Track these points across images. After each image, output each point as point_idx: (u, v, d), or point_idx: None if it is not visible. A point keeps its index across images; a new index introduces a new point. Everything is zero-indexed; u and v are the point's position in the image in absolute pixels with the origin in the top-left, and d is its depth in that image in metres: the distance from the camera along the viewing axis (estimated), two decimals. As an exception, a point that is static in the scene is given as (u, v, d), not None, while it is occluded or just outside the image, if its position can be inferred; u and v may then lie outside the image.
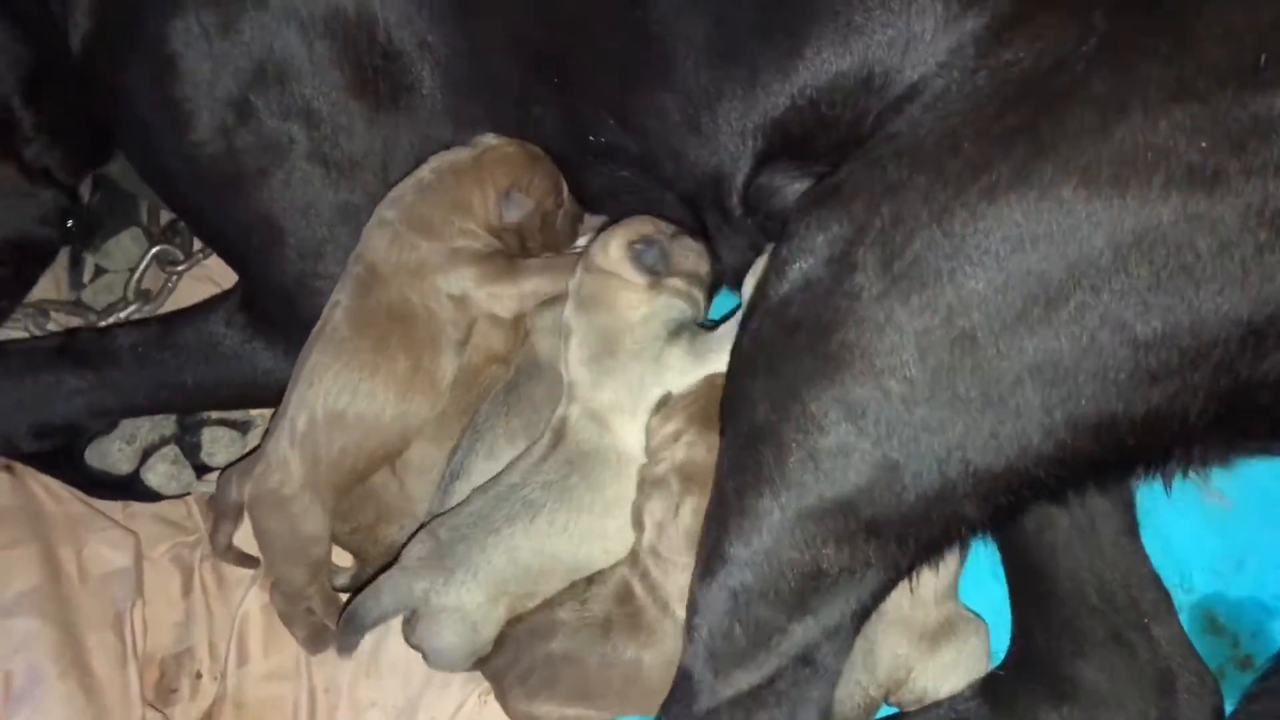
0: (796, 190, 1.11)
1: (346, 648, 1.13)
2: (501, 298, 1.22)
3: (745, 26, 1.06)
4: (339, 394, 1.16)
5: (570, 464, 1.11)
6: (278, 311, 1.27)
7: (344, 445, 1.17)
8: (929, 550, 0.93)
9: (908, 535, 0.91)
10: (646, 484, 1.09)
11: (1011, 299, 0.84)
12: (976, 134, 0.89)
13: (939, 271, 0.86)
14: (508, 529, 1.09)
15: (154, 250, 1.50)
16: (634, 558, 1.10)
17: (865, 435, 0.88)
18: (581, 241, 1.30)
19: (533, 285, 1.23)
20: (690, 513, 1.04)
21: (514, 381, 1.23)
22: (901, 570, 0.93)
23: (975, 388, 0.85)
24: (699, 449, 1.05)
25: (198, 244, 1.51)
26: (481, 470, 1.18)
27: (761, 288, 0.97)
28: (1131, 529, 1.16)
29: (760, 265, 1.13)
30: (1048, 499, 0.93)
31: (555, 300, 1.23)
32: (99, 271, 1.53)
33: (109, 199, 1.53)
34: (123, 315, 1.46)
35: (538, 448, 1.14)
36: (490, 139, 1.22)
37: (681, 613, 1.00)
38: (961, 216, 0.86)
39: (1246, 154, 0.81)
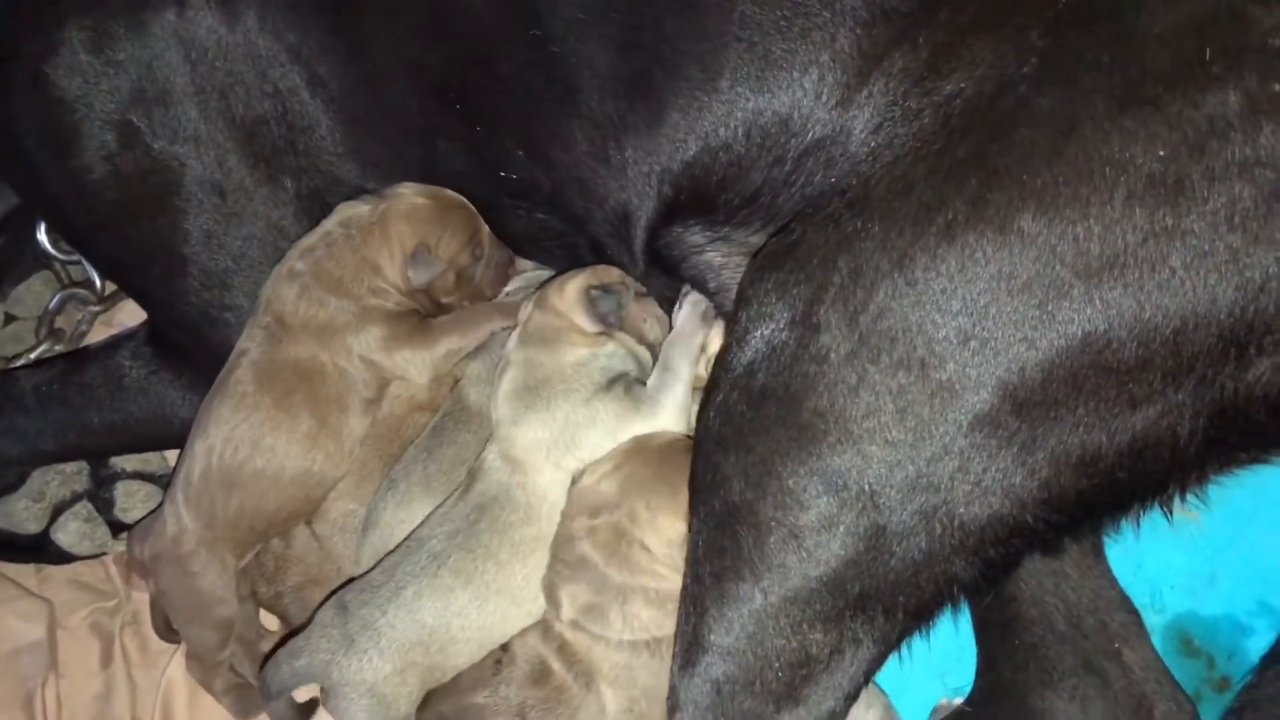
0: (707, 251, 1.07)
1: (272, 714, 1.07)
2: (413, 363, 1.16)
3: (650, 55, 1.00)
4: (236, 449, 1.11)
5: (480, 508, 1.05)
6: (184, 344, 1.22)
7: (240, 504, 1.12)
8: (919, 617, 0.88)
9: (897, 605, 0.86)
10: (560, 564, 1.02)
11: (985, 341, 0.80)
12: (927, 172, 0.85)
13: (907, 323, 0.82)
14: (412, 587, 1.03)
15: (66, 291, 1.42)
16: (545, 630, 1.03)
17: (848, 506, 0.83)
18: (511, 285, 1.24)
19: (445, 347, 1.17)
20: (645, 603, 0.98)
21: (439, 426, 1.17)
22: (892, 643, 0.89)
23: (960, 438, 0.81)
24: (620, 531, 0.99)
25: (110, 286, 1.43)
26: (392, 522, 1.12)
27: (723, 357, 0.92)
28: (1096, 548, 1.11)
29: (684, 316, 1.09)
30: (1042, 548, 0.88)
31: (487, 348, 1.17)
32: (8, 320, 1.46)
33: (15, 243, 1.45)
34: (31, 357, 1.39)
35: (451, 497, 1.08)
36: (401, 189, 1.15)
37: (609, 694, 0.96)
38: (922, 261, 0.82)
39: (1207, 156, 0.77)
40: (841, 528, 0.84)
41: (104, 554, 1.32)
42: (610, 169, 1.06)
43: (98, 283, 1.42)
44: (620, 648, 0.97)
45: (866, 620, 0.86)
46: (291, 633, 1.10)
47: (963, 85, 0.87)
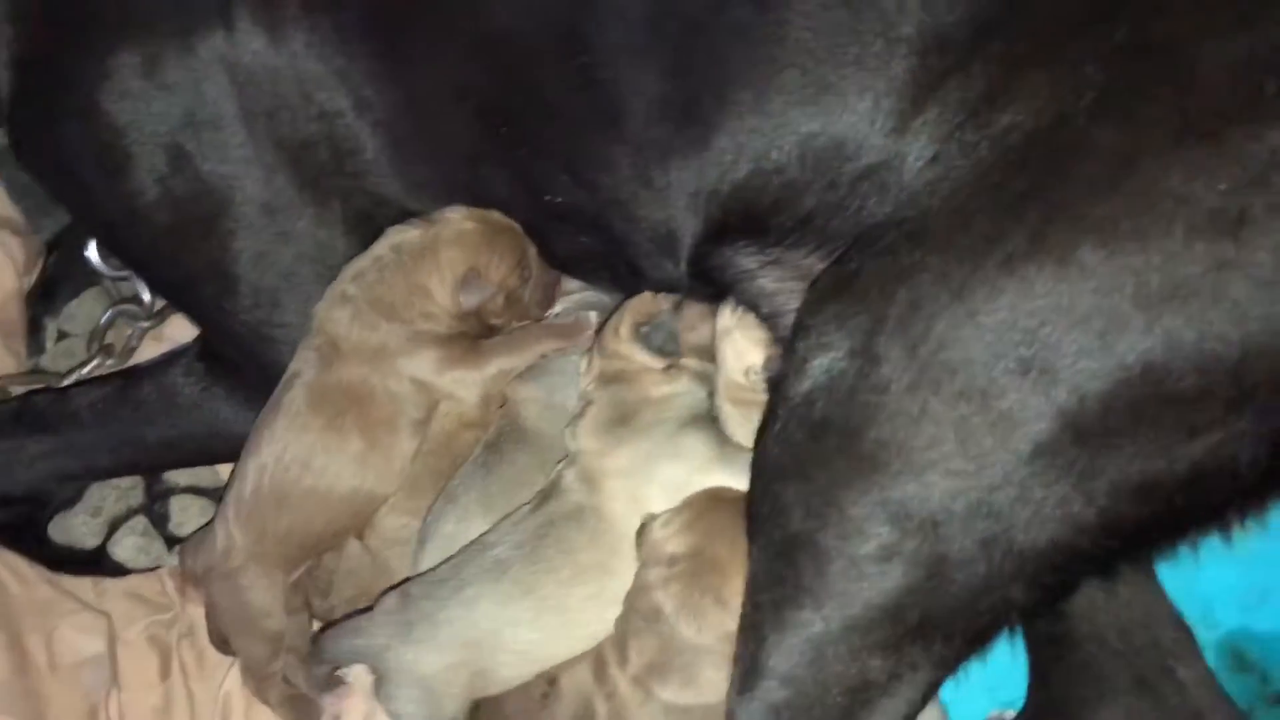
0: (759, 277, 1.07)
1: (314, 684, 1.10)
2: (465, 383, 1.17)
3: (700, 81, 1.00)
4: (287, 469, 1.12)
5: (549, 524, 1.06)
6: (236, 361, 1.24)
7: (290, 522, 1.13)
8: (976, 641, 0.89)
9: (955, 631, 0.86)
10: (634, 611, 1.02)
11: (1046, 371, 0.80)
12: (986, 205, 0.85)
13: (968, 354, 0.82)
14: (473, 588, 1.04)
15: (116, 308, 1.44)
16: (599, 671, 1.03)
17: (910, 535, 0.84)
18: (558, 307, 1.24)
19: (496, 367, 1.17)
20: (708, 665, 0.98)
21: (495, 444, 1.18)
22: (949, 667, 0.89)
23: (1020, 467, 0.81)
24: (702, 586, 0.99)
25: (160, 302, 1.45)
26: (451, 535, 1.13)
27: (781, 386, 0.93)
28: (1148, 568, 1.10)
29: (725, 319, 1.09)
30: (1099, 573, 0.89)
31: (539, 371, 1.18)
32: (61, 335, 1.47)
33: (67, 258, 1.47)
34: (84, 373, 1.40)
35: (525, 508, 1.09)
36: (449, 213, 1.16)
37: None
38: (982, 293, 0.82)
39: (1270, 189, 0.76)
40: (903, 557, 0.84)
41: (160, 567, 1.34)
42: (654, 192, 1.06)
43: (146, 298, 1.43)
44: (671, 712, 0.98)
45: (925, 646, 0.87)
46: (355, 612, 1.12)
47: (1020, 118, 0.87)
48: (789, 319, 1.06)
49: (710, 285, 1.12)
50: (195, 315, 1.28)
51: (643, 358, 1.10)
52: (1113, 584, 1.08)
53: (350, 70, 1.12)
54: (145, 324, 1.44)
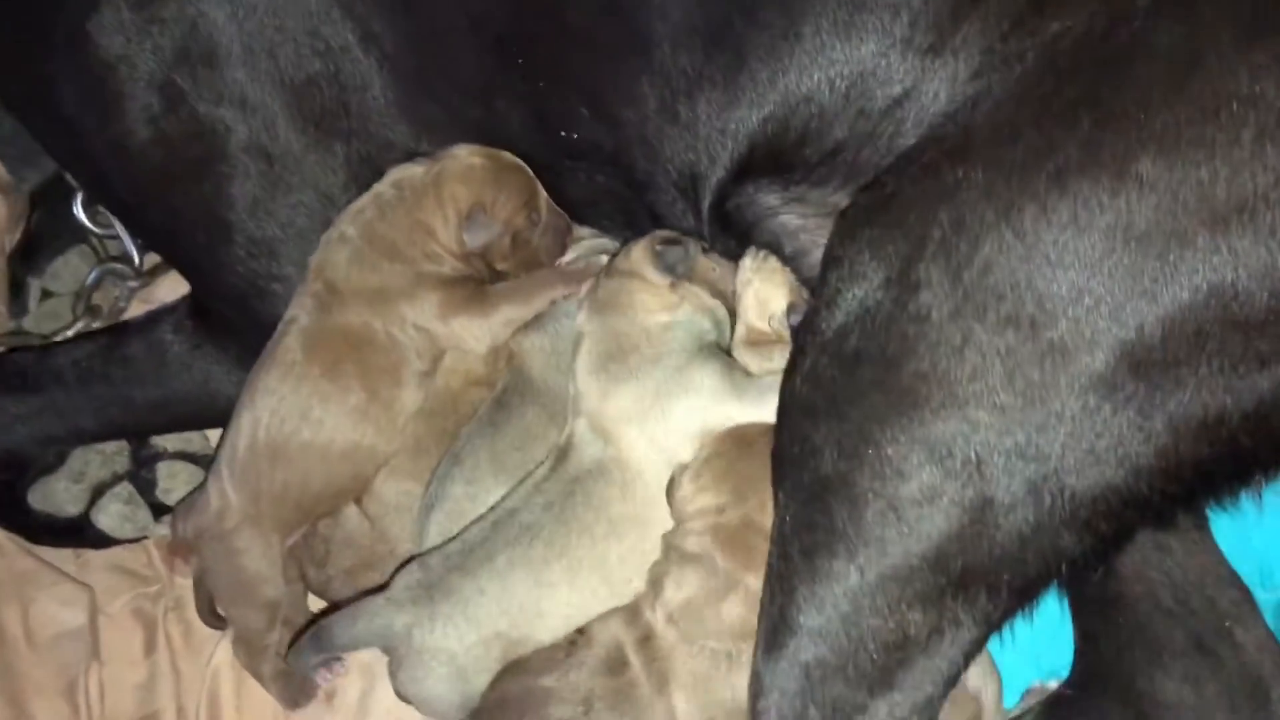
0: (782, 213, 1.02)
1: (302, 665, 1.05)
2: (470, 331, 1.11)
3: (730, 3, 0.95)
4: (283, 422, 1.06)
5: (574, 482, 1.01)
6: (230, 316, 1.18)
7: (286, 479, 1.07)
8: (1023, 596, 0.83)
9: (1000, 583, 0.80)
10: (674, 553, 0.96)
11: (1101, 297, 0.75)
12: (1035, 116, 0.79)
13: (1015, 278, 0.77)
14: (503, 556, 0.98)
15: (104, 266, 1.38)
16: (633, 614, 0.97)
17: (953, 476, 0.78)
18: (569, 255, 1.18)
19: (504, 315, 1.11)
20: (740, 601, 0.92)
21: (502, 400, 1.12)
22: (994, 624, 0.83)
23: (1072, 401, 0.76)
24: (747, 523, 0.93)
25: (150, 261, 1.39)
26: (460, 497, 1.06)
27: (810, 321, 0.87)
28: (1201, 521, 1.05)
29: (746, 268, 1.04)
30: (1155, 522, 0.82)
31: (546, 319, 1.12)
32: (45, 295, 1.41)
33: (51, 215, 1.40)
34: (69, 334, 1.35)
35: (541, 469, 1.04)
36: (455, 150, 1.10)
37: (682, 702, 0.91)
38: (1031, 211, 0.76)
39: None
40: (945, 499, 0.78)
41: (145, 537, 1.27)
42: (679, 127, 1.00)
43: (136, 257, 1.37)
44: (702, 654, 0.92)
45: (968, 599, 0.81)
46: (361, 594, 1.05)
47: (1070, 23, 0.82)
48: (815, 258, 1.00)
49: (730, 228, 1.06)
50: (186, 267, 1.22)
51: (650, 273, 1.03)
52: (1166, 539, 1.02)
53: (357, 1, 1.06)
54: (134, 284, 1.38)
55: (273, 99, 1.08)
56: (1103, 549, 0.82)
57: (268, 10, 1.07)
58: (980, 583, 0.80)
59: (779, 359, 1.00)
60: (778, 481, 0.88)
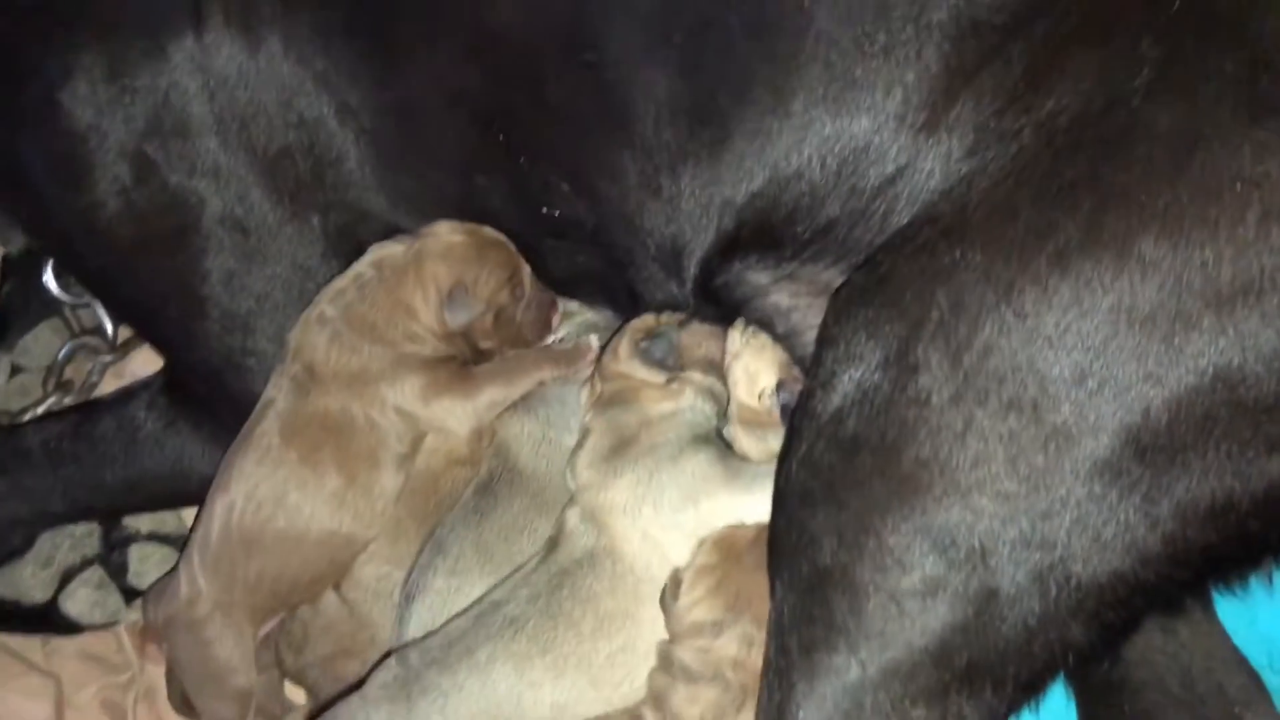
0: (773, 293, 1.00)
1: None
2: (454, 414, 1.08)
3: (716, 78, 0.94)
4: (258, 508, 1.04)
5: (563, 574, 0.98)
6: (204, 392, 1.15)
7: (261, 567, 1.04)
8: (1030, 690, 0.80)
9: (1006, 677, 0.78)
10: (678, 668, 0.92)
11: (1105, 380, 0.73)
12: (1033, 196, 0.78)
13: (1017, 360, 0.75)
14: (484, 650, 0.95)
15: (76, 341, 1.34)
16: None
17: (956, 567, 0.76)
18: (559, 334, 1.16)
19: (488, 398, 1.09)
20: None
21: (489, 487, 1.08)
22: (1000, 718, 0.80)
23: (1077, 488, 0.74)
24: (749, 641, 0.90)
25: (124, 334, 1.36)
26: (443, 590, 1.03)
27: (806, 403, 0.85)
28: (1206, 604, 1.02)
29: (735, 340, 1.03)
30: (1163, 609, 0.81)
31: (535, 402, 1.10)
32: (15, 371, 1.37)
33: (21, 287, 1.37)
34: (39, 411, 1.31)
35: (532, 560, 1.01)
36: (435, 227, 1.08)
37: None
38: (1032, 293, 0.75)
39: None
40: (948, 591, 0.76)
41: (116, 623, 1.23)
42: (660, 202, 0.98)
43: (109, 330, 1.33)
44: None
45: (973, 694, 0.78)
46: (328, 703, 1.01)
47: (1066, 101, 0.81)
48: (807, 337, 0.98)
49: (717, 306, 1.04)
50: (160, 342, 1.20)
51: (643, 373, 1.02)
52: (1172, 622, 0.99)
53: (332, 74, 1.04)
54: (108, 358, 1.34)
55: (247, 170, 1.06)
56: (1110, 639, 0.80)
57: (240, 81, 1.05)
58: (985, 677, 0.78)
59: (773, 440, 0.98)
60: (774, 571, 0.85)
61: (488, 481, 1.08)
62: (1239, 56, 0.75)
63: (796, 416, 0.87)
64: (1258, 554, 0.82)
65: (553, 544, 1.00)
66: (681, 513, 0.96)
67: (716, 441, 1.01)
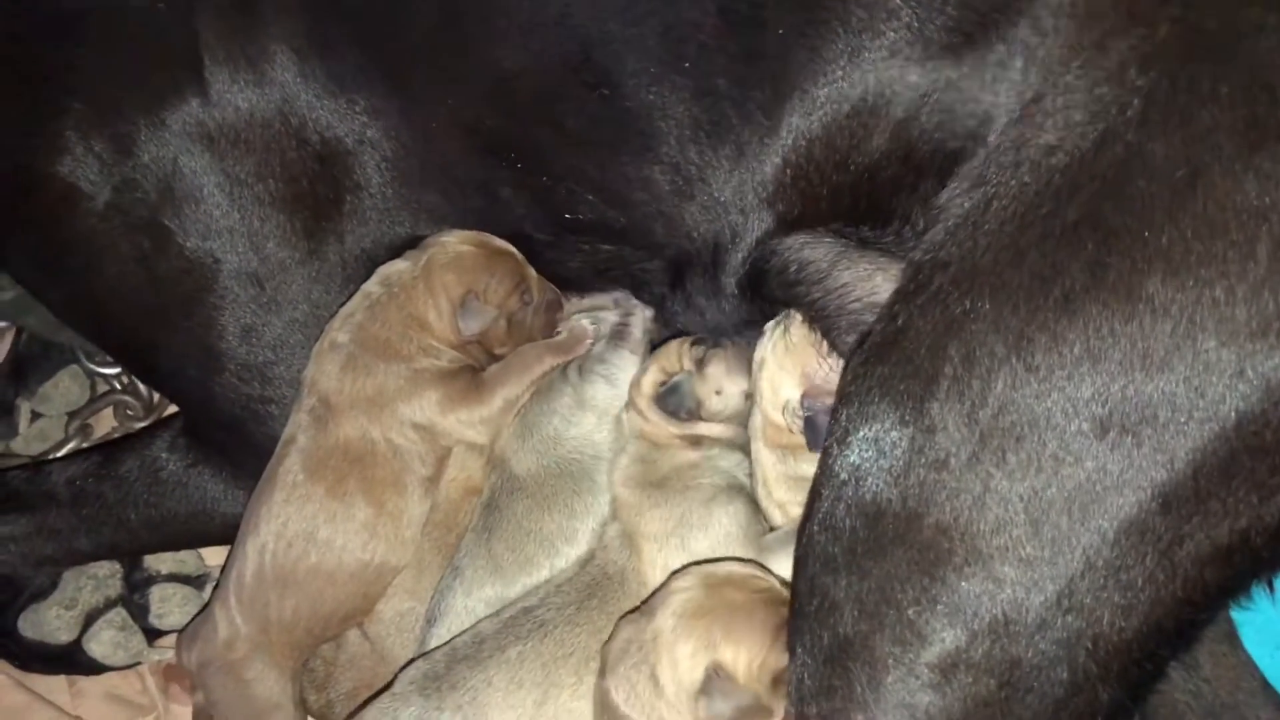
0: (813, 262, 0.99)
1: None
2: (471, 422, 1.08)
3: (724, 98, 0.95)
4: (289, 546, 1.04)
5: (595, 584, 1.02)
6: (224, 440, 1.15)
7: (296, 605, 1.04)
8: None
9: None
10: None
11: (1126, 431, 0.71)
12: (1037, 239, 0.76)
13: (1033, 416, 0.73)
14: (515, 649, 0.98)
15: (113, 398, 1.36)
16: None
17: (979, 640, 0.74)
18: (563, 329, 1.16)
19: (502, 399, 1.09)
20: None
21: (491, 502, 1.10)
22: None
23: (1104, 550, 0.72)
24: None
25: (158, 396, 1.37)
26: (461, 611, 1.04)
27: (824, 460, 0.83)
28: (1230, 634, 1.00)
29: (762, 348, 1.03)
30: (1184, 648, 0.79)
31: (529, 424, 1.10)
32: (35, 417, 1.39)
33: (41, 338, 1.38)
34: (60, 455, 1.32)
35: (567, 570, 1.04)
36: (440, 239, 1.08)
37: None
38: (1042, 342, 0.73)
39: None
40: (971, 664, 0.74)
41: (139, 664, 1.24)
42: (697, 204, 0.99)
43: (144, 391, 1.36)
44: None
45: None
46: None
47: (1061, 137, 0.78)
48: (857, 317, 0.97)
49: (760, 299, 1.04)
50: (179, 398, 1.20)
51: (663, 425, 1.04)
52: (1194, 658, 0.97)
53: (350, 110, 1.05)
54: (142, 421, 1.35)
55: (261, 222, 1.07)
56: (1139, 694, 0.78)
57: (250, 129, 1.05)
58: None
59: (798, 464, 1.00)
60: (795, 635, 0.83)
61: (491, 498, 1.10)
62: (1234, 80, 0.73)
63: (818, 474, 0.85)
64: (1267, 574, 0.80)
65: (591, 554, 1.03)
66: (702, 554, 0.99)
67: (742, 497, 1.03)
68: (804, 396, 1.01)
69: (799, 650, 0.82)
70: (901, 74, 0.88)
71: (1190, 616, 0.75)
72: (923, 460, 0.76)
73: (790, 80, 0.92)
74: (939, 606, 0.74)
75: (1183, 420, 0.70)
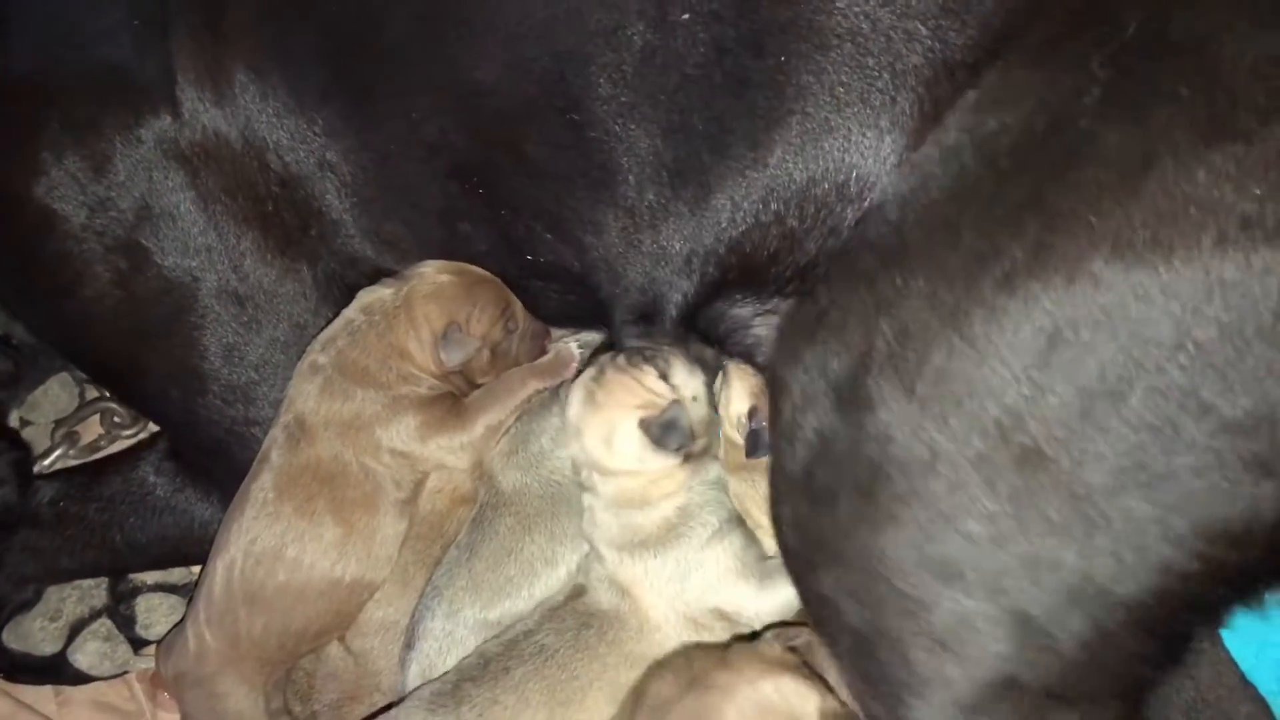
0: (755, 326, 1.00)
1: None
2: (452, 449, 1.08)
3: (698, 135, 0.94)
4: (257, 564, 1.04)
5: (590, 615, 1.01)
6: (209, 464, 1.15)
7: (266, 622, 1.04)
8: (1126, 700, 0.78)
9: (1100, 693, 0.76)
10: None
11: (1066, 400, 0.71)
12: (975, 218, 0.76)
13: (971, 384, 0.73)
14: (519, 670, 0.98)
15: (103, 405, 1.35)
16: None
17: (974, 594, 0.74)
18: (548, 355, 1.15)
19: (483, 425, 1.09)
20: None
21: (478, 519, 1.09)
22: None
23: (1065, 508, 0.72)
24: None
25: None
26: (439, 634, 1.04)
27: (775, 460, 0.84)
28: (1210, 632, 0.99)
29: (726, 373, 1.04)
30: (1226, 612, 0.78)
31: (519, 428, 1.10)
32: (23, 425, 1.39)
33: (30, 345, 1.38)
34: (45, 464, 1.32)
35: (554, 600, 1.04)
36: (422, 268, 1.08)
37: None
38: (979, 315, 0.73)
39: None
40: (980, 619, 0.74)
41: (125, 673, 1.24)
42: (642, 255, 0.99)
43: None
44: None
45: (1076, 713, 0.76)
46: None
47: (1007, 120, 0.78)
48: None
49: (702, 339, 1.04)
50: (162, 421, 1.20)
51: (656, 461, 1.01)
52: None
53: (309, 132, 1.04)
54: (129, 431, 1.34)
55: (237, 239, 1.06)
56: (1179, 645, 0.78)
57: (219, 150, 1.05)
58: (1078, 696, 0.75)
59: (761, 483, 0.97)
60: (824, 642, 0.85)
61: (479, 514, 1.09)
62: (1194, 81, 0.73)
63: (772, 474, 0.86)
64: (1267, 577, 0.78)
65: (579, 589, 1.02)
66: (703, 599, 0.99)
67: (740, 530, 1.02)
68: (753, 410, 1.02)
69: (834, 656, 0.83)
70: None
71: (1224, 593, 0.75)
72: (865, 437, 0.76)
73: (778, 122, 0.91)
74: (923, 572, 0.75)
75: (1125, 388, 0.70)
